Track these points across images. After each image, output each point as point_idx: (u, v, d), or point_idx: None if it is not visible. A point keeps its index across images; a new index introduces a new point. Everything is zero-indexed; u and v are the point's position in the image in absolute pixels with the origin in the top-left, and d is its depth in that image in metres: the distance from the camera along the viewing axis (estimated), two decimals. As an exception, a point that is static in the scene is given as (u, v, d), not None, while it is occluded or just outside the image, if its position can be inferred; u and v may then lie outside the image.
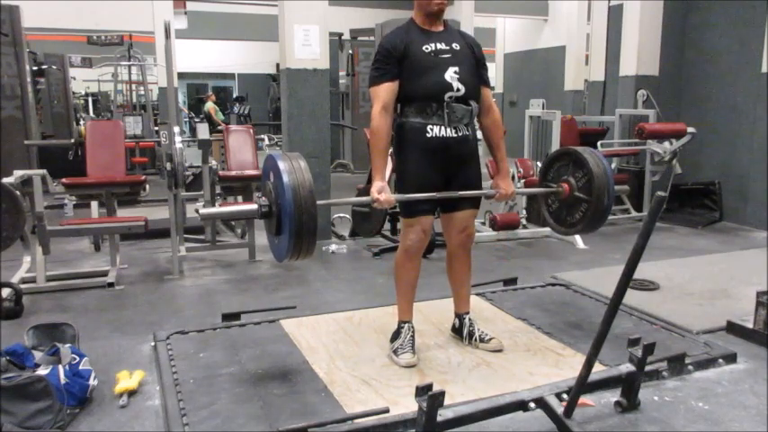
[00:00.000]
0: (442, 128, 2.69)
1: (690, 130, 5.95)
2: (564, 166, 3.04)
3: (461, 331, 3.03)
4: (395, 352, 2.82)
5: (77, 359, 2.51)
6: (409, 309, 2.91)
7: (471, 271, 3.04)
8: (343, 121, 10.23)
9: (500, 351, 2.91)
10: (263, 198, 2.45)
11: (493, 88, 2.81)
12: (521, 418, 2.29)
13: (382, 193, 2.61)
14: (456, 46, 2.75)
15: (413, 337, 2.86)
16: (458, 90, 2.69)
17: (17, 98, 6.56)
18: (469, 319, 3.03)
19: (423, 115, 2.69)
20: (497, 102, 14.68)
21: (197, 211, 2.78)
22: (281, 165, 2.31)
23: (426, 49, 2.69)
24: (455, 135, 2.71)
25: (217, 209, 2.33)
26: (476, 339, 2.97)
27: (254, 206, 2.42)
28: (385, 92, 2.67)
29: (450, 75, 2.68)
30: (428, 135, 2.69)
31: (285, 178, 2.27)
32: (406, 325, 2.89)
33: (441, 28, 2.78)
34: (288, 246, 2.32)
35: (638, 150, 6.12)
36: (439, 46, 2.71)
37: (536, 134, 6.20)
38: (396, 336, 2.89)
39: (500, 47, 14.42)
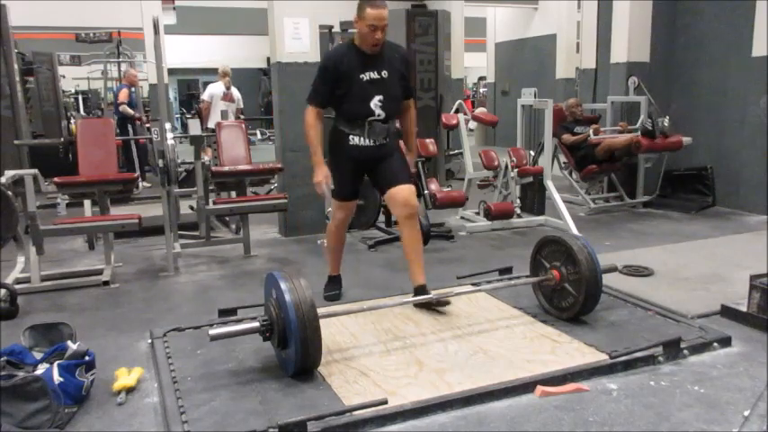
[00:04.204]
0: (362, 138, 3.27)
1: (686, 140, 6.00)
2: (556, 252, 3.16)
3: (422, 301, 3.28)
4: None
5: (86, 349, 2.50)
6: (339, 265, 3.78)
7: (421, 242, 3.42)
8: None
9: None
10: (265, 317, 2.61)
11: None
12: (520, 406, 2.31)
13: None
14: (385, 74, 3.23)
15: (341, 285, 3.75)
16: (378, 115, 3.24)
17: (6, 98, 6.51)
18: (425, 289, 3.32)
19: (349, 126, 3.28)
20: (490, 90, 14.68)
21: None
22: (283, 285, 2.50)
23: (363, 77, 3.20)
24: (372, 144, 3.29)
25: (225, 329, 2.59)
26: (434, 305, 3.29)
27: (256, 324, 2.59)
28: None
29: (375, 103, 3.22)
30: (350, 143, 3.28)
31: (287, 297, 2.47)
32: (337, 276, 3.76)
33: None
34: (296, 357, 2.48)
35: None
36: (372, 75, 3.22)
37: (528, 123, 6.20)
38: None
39: (491, 36, 14.39)
